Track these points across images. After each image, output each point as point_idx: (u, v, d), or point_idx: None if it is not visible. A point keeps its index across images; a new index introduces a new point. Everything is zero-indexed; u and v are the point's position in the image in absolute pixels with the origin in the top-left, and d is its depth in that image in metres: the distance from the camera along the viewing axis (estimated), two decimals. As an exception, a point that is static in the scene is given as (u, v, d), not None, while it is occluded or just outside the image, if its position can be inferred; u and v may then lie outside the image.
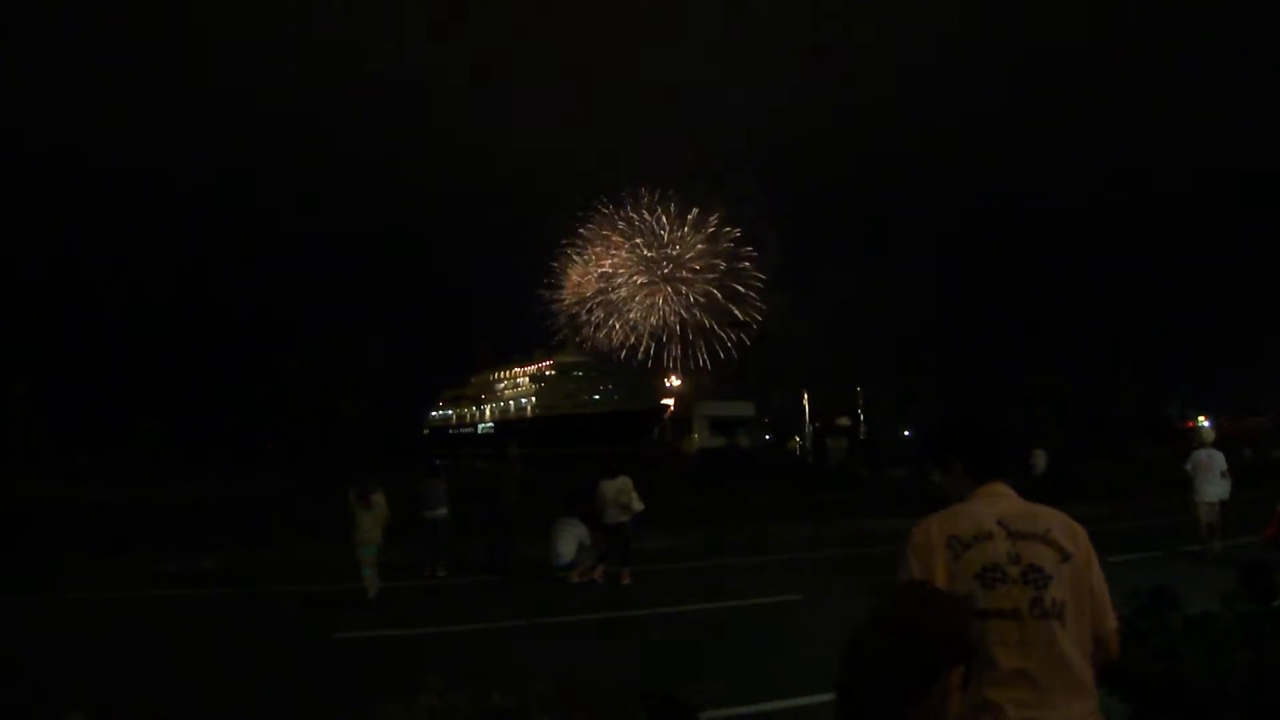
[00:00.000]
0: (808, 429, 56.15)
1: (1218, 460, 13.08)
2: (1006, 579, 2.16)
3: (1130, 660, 3.31)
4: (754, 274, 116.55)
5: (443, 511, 12.95)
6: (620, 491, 12.00)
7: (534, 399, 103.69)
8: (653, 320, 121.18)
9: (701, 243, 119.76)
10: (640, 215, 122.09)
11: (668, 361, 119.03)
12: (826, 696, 5.71)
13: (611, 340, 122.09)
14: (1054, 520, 2.34)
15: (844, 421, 58.33)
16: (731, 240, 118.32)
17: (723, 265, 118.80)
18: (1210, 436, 13.89)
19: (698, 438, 56.33)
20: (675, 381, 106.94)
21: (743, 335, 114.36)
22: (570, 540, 12.04)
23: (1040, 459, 23.73)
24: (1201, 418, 57.80)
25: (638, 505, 12.12)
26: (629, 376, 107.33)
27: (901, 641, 1.78)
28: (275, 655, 8.24)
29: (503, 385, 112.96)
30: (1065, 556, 2.23)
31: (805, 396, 63.11)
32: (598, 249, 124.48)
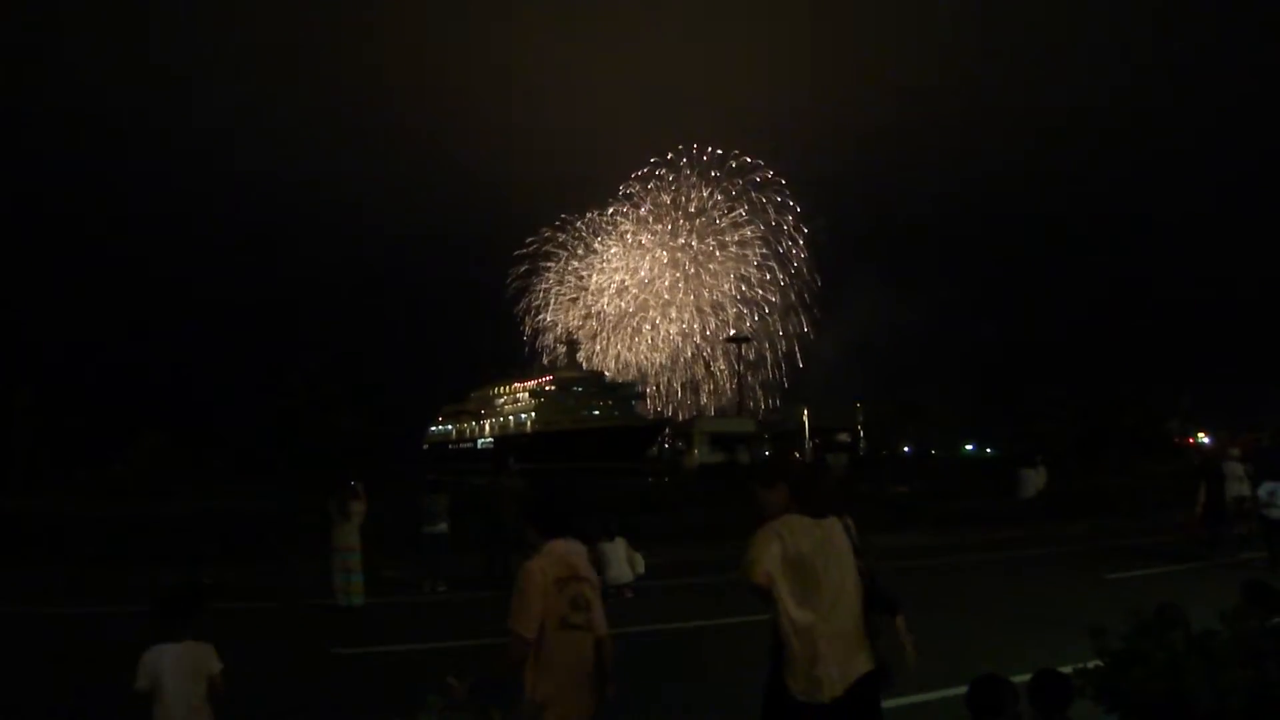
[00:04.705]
0: (807, 444, 56.07)
1: None
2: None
3: (1131, 679, 3.30)
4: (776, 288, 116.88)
5: (442, 527, 12.93)
6: (624, 554, 11.88)
7: (533, 414, 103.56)
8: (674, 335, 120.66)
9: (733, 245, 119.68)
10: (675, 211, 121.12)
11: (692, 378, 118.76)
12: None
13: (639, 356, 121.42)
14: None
15: (844, 437, 58.26)
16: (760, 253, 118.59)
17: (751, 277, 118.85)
18: None
19: (697, 454, 56.19)
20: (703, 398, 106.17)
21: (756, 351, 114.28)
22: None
23: (1040, 475, 23.66)
24: (1202, 434, 57.69)
25: (640, 567, 12.02)
26: (627, 392, 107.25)
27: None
28: (273, 670, 8.20)
29: (502, 400, 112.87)
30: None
31: (805, 412, 63.05)
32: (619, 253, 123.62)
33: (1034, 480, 23.08)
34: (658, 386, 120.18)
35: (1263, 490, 13.94)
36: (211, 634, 4.49)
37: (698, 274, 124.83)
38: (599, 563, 11.73)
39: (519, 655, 3.57)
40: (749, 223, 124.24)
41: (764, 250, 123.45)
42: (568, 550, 3.80)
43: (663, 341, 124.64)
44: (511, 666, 3.59)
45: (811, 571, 3.52)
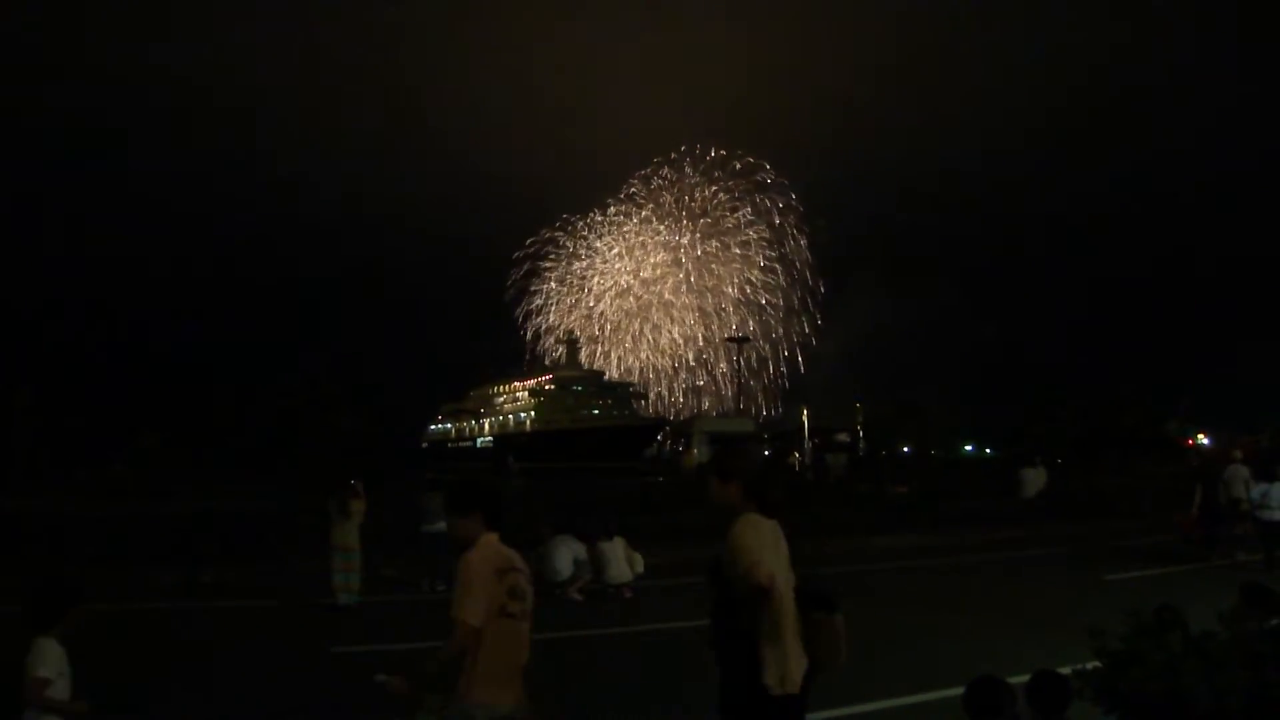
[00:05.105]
0: (807, 444, 56.08)
1: None
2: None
3: (1129, 680, 3.31)
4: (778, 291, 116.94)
5: (441, 525, 12.89)
6: (623, 553, 11.86)
7: (533, 413, 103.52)
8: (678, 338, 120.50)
9: (736, 247, 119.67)
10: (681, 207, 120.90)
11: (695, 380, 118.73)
12: (826, 713, 5.70)
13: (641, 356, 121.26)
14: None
15: (843, 437, 58.25)
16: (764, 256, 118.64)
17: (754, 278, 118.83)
18: None
19: (696, 454, 56.16)
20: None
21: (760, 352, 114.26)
22: (566, 556, 11.99)
23: (1040, 476, 23.67)
24: (1202, 435, 57.73)
25: (639, 566, 12.01)
26: (627, 392, 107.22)
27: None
28: (272, 669, 8.21)
29: (502, 399, 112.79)
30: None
31: (805, 412, 63.06)
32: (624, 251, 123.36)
33: (1034, 480, 23.10)
34: (660, 392, 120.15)
35: (1256, 492, 13.97)
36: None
37: (700, 275, 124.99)
38: (599, 562, 11.72)
39: (465, 643, 3.60)
40: (752, 224, 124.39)
41: (767, 252, 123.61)
42: (499, 542, 3.85)
43: (666, 344, 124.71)
44: (457, 656, 3.61)
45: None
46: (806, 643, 3.63)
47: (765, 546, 3.62)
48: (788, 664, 3.52)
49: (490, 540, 3.83)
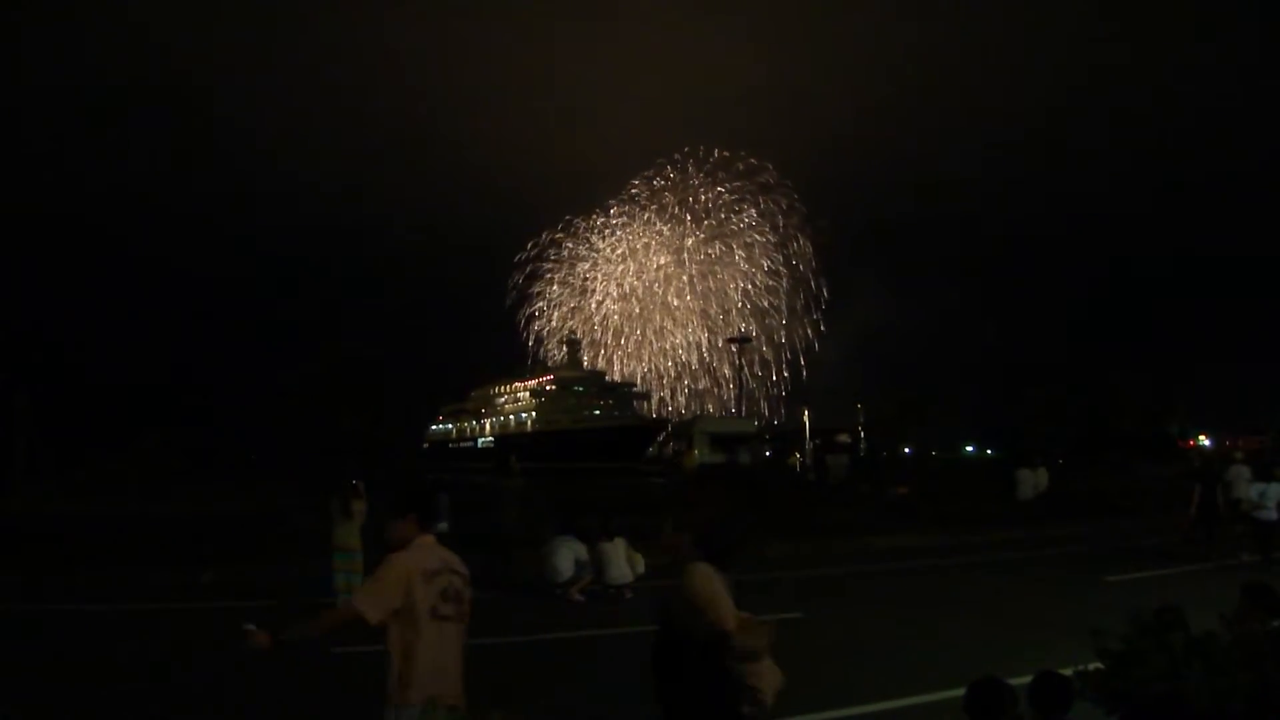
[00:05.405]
0: (808, 445, 55.99)
1: None
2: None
3: (1131, 680, 3.30)
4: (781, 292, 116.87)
5: (442, 526, 12.93)
6: (624, 554, 11.82)
7: (534, 414, 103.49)
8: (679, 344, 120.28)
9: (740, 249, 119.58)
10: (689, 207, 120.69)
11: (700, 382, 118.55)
12: (828, 713, 5.70)
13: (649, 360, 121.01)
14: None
15: (844, 438, 58.15)
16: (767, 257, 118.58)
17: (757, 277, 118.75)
18: None
19: (698, 454, 56.13)
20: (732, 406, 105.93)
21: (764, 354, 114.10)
22: (567, 557, 11.97)
23: (1041, 476, 23.65)
24: (1203, 436, 57.72)
25: (640, 567, 11.98)
26: (628, 392, 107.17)
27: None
28: (272, 669, 8.20)
29: (503, 400, 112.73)
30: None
31: (806, 413, 62.98)
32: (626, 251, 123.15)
33: (1031, 481, 23.10)
34: (662, 396, 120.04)
35: (1254, 492, 14.04)
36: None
37: (704, 277, 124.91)
38: (599, 562, 11.70)
39: (339, 623, 3.74)
40: (756, 225, 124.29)
41: (771, 254, 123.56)
42: (436, 544, 3.89)
43: (669, 346, 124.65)
44: (328, 630, 3.75)
45: None
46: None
47: (722, 593, 3.86)
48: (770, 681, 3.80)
49: (424, 542, 3.86)
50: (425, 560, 3.77)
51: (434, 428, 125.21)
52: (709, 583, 3.85)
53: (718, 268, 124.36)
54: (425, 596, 3.69)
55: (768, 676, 3.74)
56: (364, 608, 3.64)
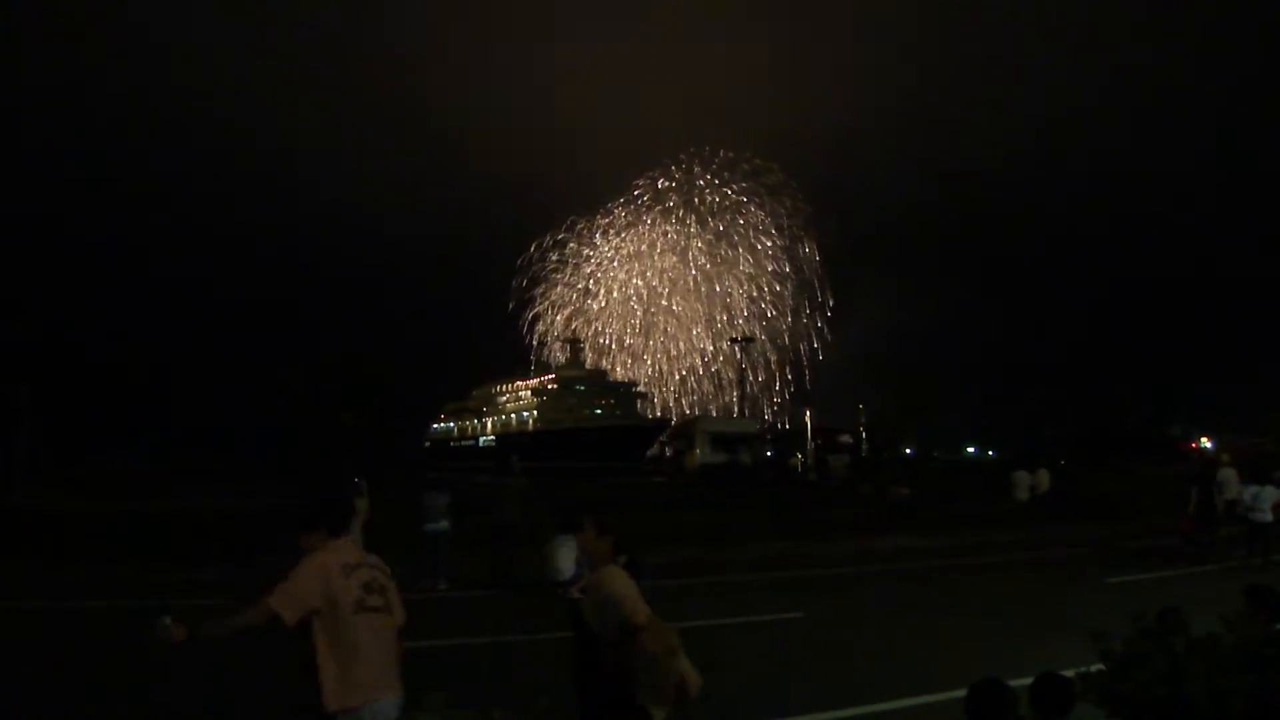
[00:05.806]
0: (809, 446, 55.94)
1: None
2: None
3: (1132, 682, 3.30)
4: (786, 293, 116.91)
5: (444, 525, 12.92)
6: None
7: (536, 413, 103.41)
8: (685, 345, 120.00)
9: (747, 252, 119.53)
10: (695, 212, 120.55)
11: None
12: (828, 713, 5.69)
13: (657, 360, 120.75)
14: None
15: (845, 439, 58.10)
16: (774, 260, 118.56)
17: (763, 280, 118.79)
18: None
19: (699, 454, 56.06)
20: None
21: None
22: (568, 556, 11.96)
23: (1041, 477, 23.66)
24: (1204, 438, 57.64)
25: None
26: (630, 392, 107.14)
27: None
28: (273, 669, 8.20)
29: (505, 399, 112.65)
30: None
31: (807, 413, 62.93)
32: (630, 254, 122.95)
33: (1026, 482, 23.13)
34: (665, 397, 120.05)
35: (1247, 494, 14.15)
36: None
37: (708, 278, 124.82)
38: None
39: (256, 622, 3.69)
40: (760, 227, 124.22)
41: (776, 255, 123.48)
42: (352, 544, 4.01)
43: (672, 347, 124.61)
44: (245, 628, 3.69)
45: None
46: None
47: (633, 593, 3.91)
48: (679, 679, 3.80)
49: (336, 544, 3.94)
50: (341, 556, 3.81)
51: (435, 427, 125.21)
52: (618, 580, 3.93)
53: (722, 269, 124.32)
54: (347, 590, 3.70)
55: (687, 676, 3.75)
56: (280, 607, 3.60)
